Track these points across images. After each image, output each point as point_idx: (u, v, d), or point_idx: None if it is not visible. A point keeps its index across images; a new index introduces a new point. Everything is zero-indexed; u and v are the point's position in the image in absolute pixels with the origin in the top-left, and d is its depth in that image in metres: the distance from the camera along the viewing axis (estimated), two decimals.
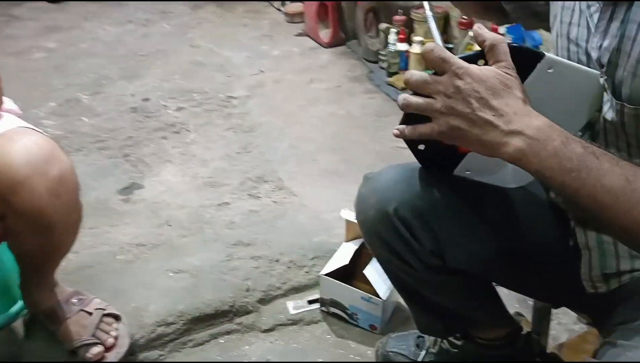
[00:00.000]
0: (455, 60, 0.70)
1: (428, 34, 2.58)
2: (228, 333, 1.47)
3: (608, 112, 0.81)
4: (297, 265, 1.62)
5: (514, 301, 1.41)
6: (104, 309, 1.35)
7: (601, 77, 0.80)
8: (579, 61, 0.84)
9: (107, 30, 3.31)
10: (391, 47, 2.61)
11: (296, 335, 1.47)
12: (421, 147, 0.88)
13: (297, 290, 1.57)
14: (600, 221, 0.70)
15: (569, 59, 0.87)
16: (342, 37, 3.05)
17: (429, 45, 0.71)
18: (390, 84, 2.60)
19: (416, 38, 2.54)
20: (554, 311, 1.30)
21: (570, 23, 0.87)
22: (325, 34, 3.04)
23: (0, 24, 3.40)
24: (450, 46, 2.51)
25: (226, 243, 1.70)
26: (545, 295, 1.11)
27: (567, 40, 0.88)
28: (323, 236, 1.70)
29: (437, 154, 0.87)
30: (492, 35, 0.73)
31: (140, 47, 3.08)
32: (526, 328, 1.28)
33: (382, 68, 2.72)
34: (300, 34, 3.21)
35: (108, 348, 1.31)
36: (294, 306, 1.53)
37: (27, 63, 2.91)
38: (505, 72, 0.71)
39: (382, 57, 2.71)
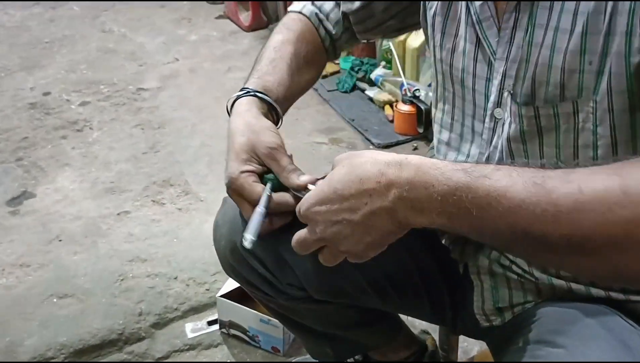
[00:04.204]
0: (304, 208, 0.67)
1: None
2: None
3: (504, 134, 0.74)
4: (197, 282, 1.50)
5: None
6: None
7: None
8: (472, 89, 0.77)
9: (11, 14, 3.05)
10: None
11: (193, 361, 1.36)
12: None
13: (196, 310, 1.45)
14: None
15: (452, 89, 0.80)
16: (264, 21, 2.89)
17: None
18: None
19: None
20: None
21: (454, 50, 0.78)
22: (245, 17, 2.87)
23: None
24: None
25: (122, 259, 1.56)
26: (442, 323, 1.04)
27: (451, 68, 0.79)
28: None
29: None
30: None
31: (45, 33, 2.85)
32: (431, 348, 1.21)
33: None
34: (221, 16, 3.03)
35: None
36: (191, 329, 1.41)
37: None
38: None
39: None
